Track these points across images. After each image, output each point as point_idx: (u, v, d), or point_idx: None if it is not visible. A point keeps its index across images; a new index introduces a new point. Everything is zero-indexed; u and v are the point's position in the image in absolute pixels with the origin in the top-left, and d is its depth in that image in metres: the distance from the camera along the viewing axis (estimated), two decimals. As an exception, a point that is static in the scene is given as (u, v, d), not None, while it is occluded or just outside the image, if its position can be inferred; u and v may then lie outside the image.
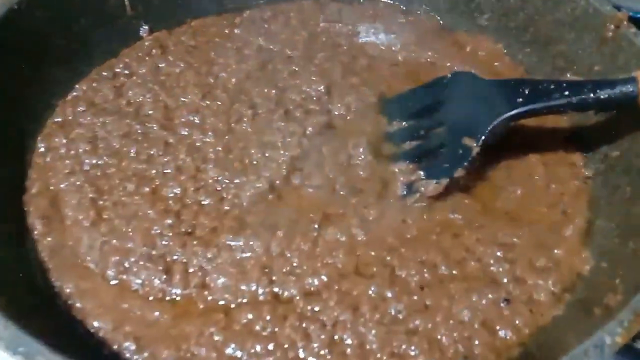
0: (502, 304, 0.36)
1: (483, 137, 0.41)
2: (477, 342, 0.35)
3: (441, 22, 0.59)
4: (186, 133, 0.46)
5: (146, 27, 0.56)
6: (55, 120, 0.48)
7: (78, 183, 0.43)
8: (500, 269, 0.38)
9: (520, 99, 0.40)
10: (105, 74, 0.51)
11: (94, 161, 0.44)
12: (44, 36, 0.49)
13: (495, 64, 0.55)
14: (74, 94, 0.50)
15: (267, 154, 0.45)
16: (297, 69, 0.52)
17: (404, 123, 0.48)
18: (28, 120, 0.47)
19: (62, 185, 0.43)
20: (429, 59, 0.55)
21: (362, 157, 0.45)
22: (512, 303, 0.36)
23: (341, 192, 0.43)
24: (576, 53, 0.49)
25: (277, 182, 0.43)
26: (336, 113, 0.49)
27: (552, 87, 0.40)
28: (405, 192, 0.43)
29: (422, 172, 0.43)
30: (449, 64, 0.54)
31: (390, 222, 0.41)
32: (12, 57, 0.46)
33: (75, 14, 0.51)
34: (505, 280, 0.38)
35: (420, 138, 0.46)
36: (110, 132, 0.46)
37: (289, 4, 0.60)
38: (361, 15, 0.59)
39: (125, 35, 0.55)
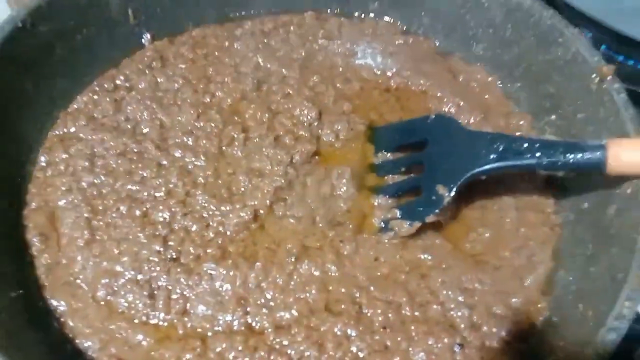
0: (455, 349, 0.40)
1: (455, 189, 0.43)
2: (429, 387, 0.38)
3: (438, 45, 0.60)
4: (179, 155, 0.49)
5: (148, 35, 0.58)
6: (57, 132, 0.50)
7: (75, 201, 0.45)
8: (459, 314, 0.41)
9: (494, 155, 0.42)
10: (106, 85, 0.53)
11: (91, 179, 0.47)
12: (47, 49, 0.51)
13: (486, 96, 0.56)
14: (75, 106, 0.52)
15: (253, 182, 0.47)
16: (291, 92, 0.54)
17: (389, 155, 0.51)
18: (31, 130, 0.50)
19: (59, 203, 0.46)
20: (420, 87, 0.56)
21: (345, 188, 0.48)
22: (465, 348, 0.40)
23: (320, 225, 0.46)
24: (563, 97, 0.51)
25: (261, 211, 0.46)
26: (325, 140, 0.52)
27: (525, 146, 0.42)
28: (382, 225, 0.46)
29: (398, 211, 0.46)
30: (439, 94, 0.55)
31: (363, 259, 0.44)
32: (17, 70, 0.48)
33: (78, 25, 0.53)
34: (462, 325, 0.41)
35: (402, 173, 0.49)
36: (107, 149, 0.49)
37: (290, 16, 0.61)
38: (360, 33, 0.60)
39: (127, 43, 0.56)
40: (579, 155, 0.40)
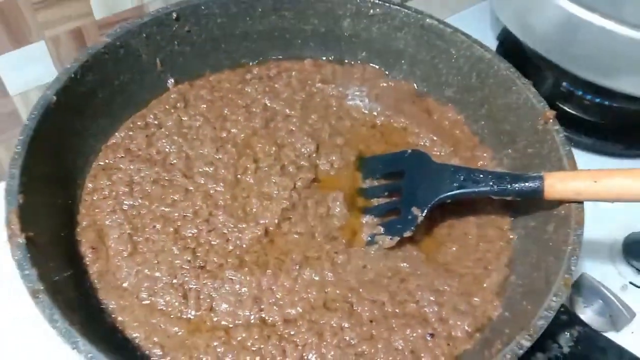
0: (427, 338, 0.49)
1: (426, 210, 0.54)
2: (405, 367, 0.48)
3: (416, 88, 0.71)
4: (202, 182, 0.59)
5: (172, 80, 0.67)
6: (100, 163, 0.60)
7: (118, 220, 0.55)
8: (431, 310, 0.51)
9: (456, 184, 0.53)
10: (139, 123, 0.63)
11: (131, 202, 0.57)
12: (92, 93, 0.60)
13: (456, 132, 0.67)
14: (114, 140, 0.62)
15: (264, 204, 0.57)
16: (293, 128, 0.64)
17: (375, 181, 0.61)
18: (78, 161, 0.59)
19: (106, 222, 0.55)
20: (401, 124, 0.67)
21: (338, 209, 0.58)
22: (435, 337, 0.49)
23: (319, 239, 0.56)
24: (516, 134, 0.61)
25: (271, 228, 0.56)
26: (322, 168, 0.62)
27: (481, 176, 0.53)
28: (369, 239, 0.56)
29: (382, 228, 0.56)
30: (417, 130, 0.66)
31: (353, 267, 0.54)
32: (70, 113, 0.57)
33: (116, 73, 0.62)
34: (433, 319, 0.50)
35: (386, 197, 0.59)
36: (143, 177, 0.58)
37: (292, 63, 0.71)
38: (351, 78, 0.70)
39: (155, 87, 0.66)
40: (522, 184, 0.51)
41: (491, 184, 0.52)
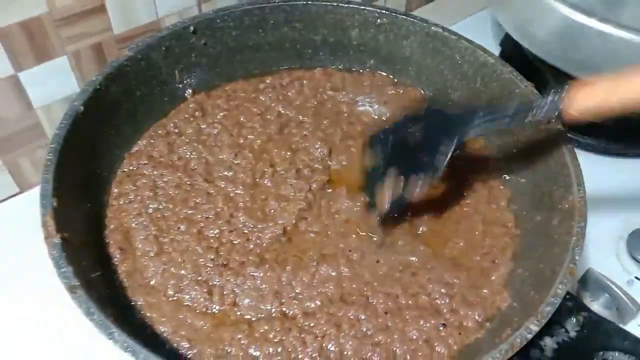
0: (440, 328, 0.52)
1: (454, 145, 0.52)
2: (420, 354, 0.50)
3: (423, 93, 0.74)
4: (223, 185, 0.62)
5: (190, 90, 0.71)
6: (124, 170, 0.63)
7: (144, 223, 0.58)
8: (442, 302, 0.54)
9: (477, 120, 0.52)
10: (160, 131, 0.67)
11: (155, 205, 0.60)
12: (116, 103, 0.63)
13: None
14: (136, 148, 0.65)
15: (281, 205, 0.60)
16: (307, 133, 0.68)
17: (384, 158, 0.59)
18: (104, 169, 0.62)
19: (132, 224, 0.58)
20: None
21: (345, 204, 0.61)
22: (447, 327, 0.52)
23: (333, 236, 0.59)
24: (520, 133, 0.64)
25: (288, 227, 0.59)
26: (333, 168, 0.65)
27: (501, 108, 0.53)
28: (389, 207, 0.56)
29: (402, 184, 0.55)
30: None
31: (368, 262, 0.57)
32: (95, 123, 0.60)
33: (138, 84, 0.66)
34: (444, 310, 0.53)
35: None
36: (166, 182, 0.62)
37: (303, 72, 0.75)
38: (360, 85, 0.74)
39: (174, 98, 0.69)
40: (542, 108, 0.49)
41: (505, 115, 0.51)
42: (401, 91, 0.73)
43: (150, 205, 0.60)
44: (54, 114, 0.73)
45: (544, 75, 0.79)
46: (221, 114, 0.69)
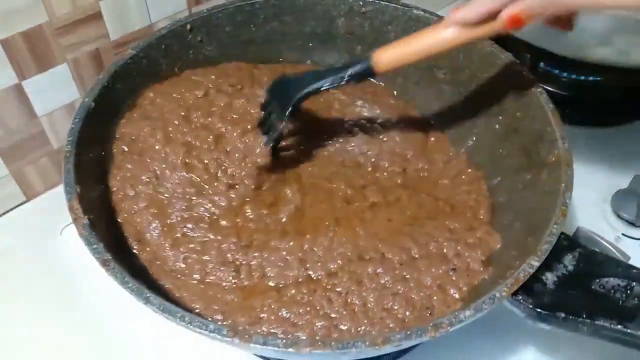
0: (450, 273, 0.56)
1: (286, 116, 0.61)
2: (435, 298, 0.54)
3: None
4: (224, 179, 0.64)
5: (190, 86, 0.75)
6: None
7: (149, 218, 0.59)
8: (449, 247, 0.58)
9: (306, 87, 0.61)
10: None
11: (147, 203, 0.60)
12: (120, 99, 0.67)
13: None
14: (117, 136, 0.65)
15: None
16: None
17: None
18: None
19: (137, 220, 0.59)
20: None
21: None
22: (457, 271, 0.56)
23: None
24: (505, 102, 0.68)
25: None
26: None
27: (326, 73, 0.61)
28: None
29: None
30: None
31: (379, 221, 0.61)
32: (99, 117, 0.62)
33: (142, 81, 0.69)
34: (451, 255, 0.57)
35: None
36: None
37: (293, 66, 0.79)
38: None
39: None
40: (356, 67, 0.58)
41: (333, 76, 0.59)
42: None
43: (140, 204, 0.60)
44: (56, 122, 0.75)
45: (521, 54, 0.85)
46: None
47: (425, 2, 0.82)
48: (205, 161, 0.63)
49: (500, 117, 0.70)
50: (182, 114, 0.65)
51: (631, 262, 0.54)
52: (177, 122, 0.65)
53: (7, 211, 0.77)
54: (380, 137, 0.70)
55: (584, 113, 0.86)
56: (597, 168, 0.82)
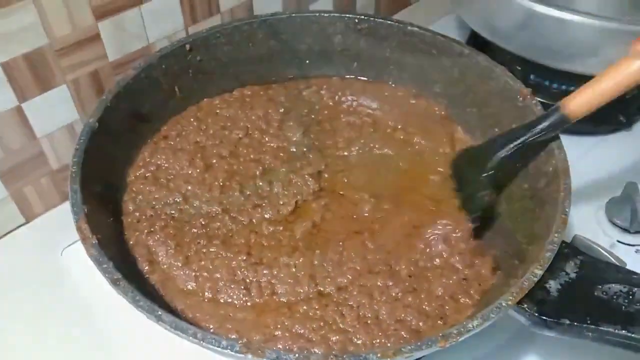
0: (462, 282, 0.57)
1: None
2: (447, 307, 0.55)
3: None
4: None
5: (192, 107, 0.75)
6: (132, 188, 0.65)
7: (161, 239, 0.59)
8: (458, 260, 0.59)
9: (500, 152, 0.63)
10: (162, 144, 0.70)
11: (163, 224, 0.61)
12: (122, 118, 0.66)
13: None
14: (140, 163, 0.67)
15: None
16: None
17: None
18: (120, 183, 0.65)
19: (149, 242, 0.59)
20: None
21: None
22: (468, 280, 0.57)
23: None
24: (500, 115, 0.69)
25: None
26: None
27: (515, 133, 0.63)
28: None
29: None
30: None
31: (387, 234, 0.61)
32: (103, 137, 0.62)
33: (143, 101, 0.69)
34: (460, 267, 0.59)
35: None
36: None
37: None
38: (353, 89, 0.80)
39: (178, 111, 0.74)
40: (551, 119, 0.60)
41: (526, 134, 0.60)
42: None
43: (157, 224, 0.61)
44: (56, 142, 0.75)
45: (512, 67, 0.86)
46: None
47: (417, 18, 0.84)
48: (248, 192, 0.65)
49: (496, 130, 0.71)
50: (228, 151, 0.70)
51: (627, 268, 0.56)
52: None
53: (7, 232, 0.76)
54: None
55: (575, 122, 0.88)
56: (590, 176, 0.84)
